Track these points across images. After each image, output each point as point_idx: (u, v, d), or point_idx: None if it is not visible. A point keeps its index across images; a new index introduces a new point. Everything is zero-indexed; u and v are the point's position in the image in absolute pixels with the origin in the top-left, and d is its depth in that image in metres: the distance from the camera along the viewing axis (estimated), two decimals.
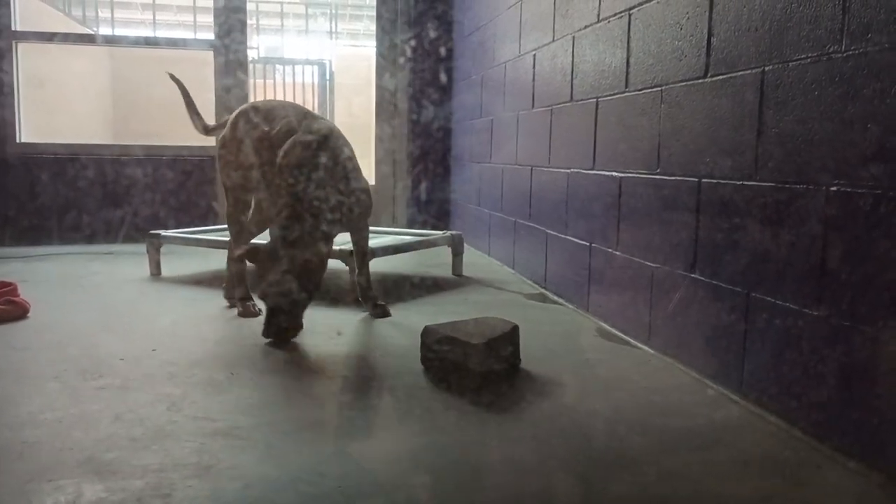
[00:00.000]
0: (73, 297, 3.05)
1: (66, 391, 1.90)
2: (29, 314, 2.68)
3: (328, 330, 2.60)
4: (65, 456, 1.50)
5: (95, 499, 1.32)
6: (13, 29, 4.77)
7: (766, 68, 1.76)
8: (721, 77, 1.95)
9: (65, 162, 4.80)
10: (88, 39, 6.85)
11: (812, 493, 1.43)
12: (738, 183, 1.87)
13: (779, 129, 1.73)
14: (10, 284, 2.80)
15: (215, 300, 2.90)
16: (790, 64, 1.69)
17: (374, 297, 2.83)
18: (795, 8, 1.67)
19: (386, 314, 2.78)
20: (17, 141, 4.79)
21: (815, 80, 1.61)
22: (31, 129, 4.95)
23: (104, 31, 7.76)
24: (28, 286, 2.93)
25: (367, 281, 2.82)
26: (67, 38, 6.04)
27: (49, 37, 5.31)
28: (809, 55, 1.63)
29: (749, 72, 1.83)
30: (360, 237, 2.80)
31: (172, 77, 3.11)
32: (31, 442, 1.56)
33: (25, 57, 4.95)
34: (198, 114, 3.08)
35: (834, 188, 1.56)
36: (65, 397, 1.85)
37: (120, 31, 8.33)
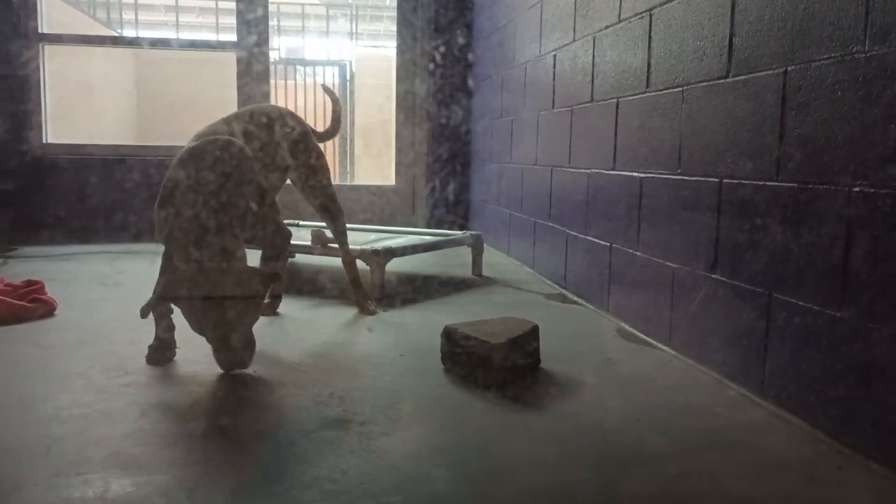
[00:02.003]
0: (98, 296, 3.09)
1: (92, 388, 1.93)
2: (56, 312, 2.72)
3: (344, 329, 2.62)
4: (91, 451, 1.52)
5: (122, 493, 1.35)
6: (40, 31, 4.84)
7: (788, 69, 1.76)
8: (743, 77, 1.95)
9: (90, 162, 4.86)
10: (113, 41, 6.93)
11: (833, 494, 1.42)
12: (760, 183, 1.87)
13: (800, 129, 1.72)
14: (37, 283, 2.85)
15: None
16: (812, 65, 1.68)
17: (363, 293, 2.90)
18: (818, 9, 1.67)
19: (370, 313, 2.82)
20: (44, 141, 4.86)
21: (837, 81, 1.60)
22: (57, 129, 5.02)
23: (128, 33, 7.85)
24: (54, 284, 2.98)
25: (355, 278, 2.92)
26: (93, 40, 6.12)
27: (75, 39, 5.39)
28: (831, 56, 1.62)
29: (771, 72, 1.83)
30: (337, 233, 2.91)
31: (325, 89, 3.16)
32: (58, 437, 1.59)
33: (52, 59, 5.02)
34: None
35: (856, 189, 1.55)
36: (91, 394, 1.88)
37: (143, 34, 8.42)
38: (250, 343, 2.02)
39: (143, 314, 1.98)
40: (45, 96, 4.89)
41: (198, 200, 2.06)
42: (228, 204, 2.09)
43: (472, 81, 5.27)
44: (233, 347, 1.98)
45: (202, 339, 2.21)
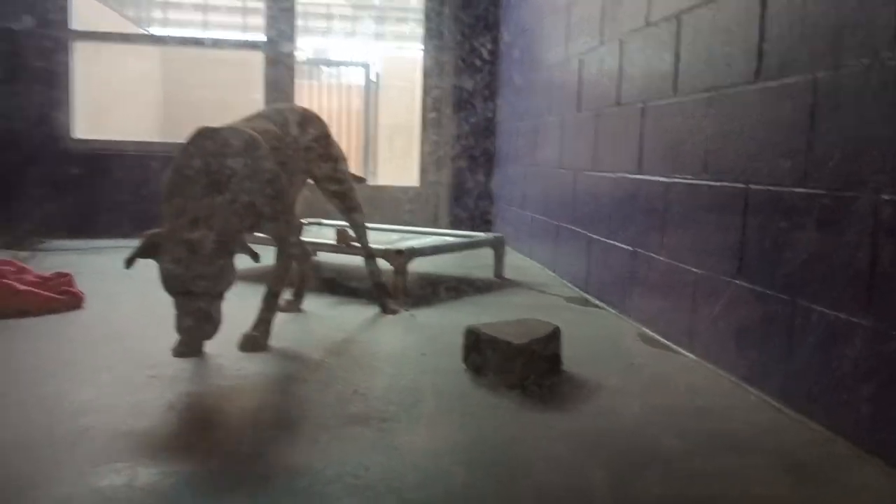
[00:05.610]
0: (125, 290, 3.13)
1: (120, 380, 1.96)
2: (84, 304, 2.76)
3: (366, 327, 2.64)
4: (120, 442, 1.55)
5: (150, 482, 1.37)
6: (70, 28, 4.91)
7: (818, 74, 1.75)
8: (772, 82, 1.94)
9: (117, 158, 4.93)
10: (142, 39, 7.02)
11: (852, 499, 1.42)
12: (787, 189, 1.86)
13: (829, 135, 1.71)
14: (66, 275, 2.89)
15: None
16: (842, 70, 1.67)
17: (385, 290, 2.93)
18: (848, 15, 1.66)
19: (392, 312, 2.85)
20: (73, 136, 4.93)
21: (868, 87, 1.59)
22: (85, 125, 5.09)
23: (156, 31, 7.94)
24: (82, 278, 3.02)
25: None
26: (122, 37, 6.19)
27: (104, 36, 5.46)
28: (862, 62, 1.61)
29: (801, 77, 1.82)
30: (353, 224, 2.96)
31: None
32: (87, 427, 1.62)
33: (81, 55, 5.09)
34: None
35: (886, 195, 1.54)
36: (118, 386, 1.91)
37: (171, 32, 8.50)
38: (213, 317, 2.01)
39: (126, 265, 1.99)
40: (73, 92, 4.95)
41: (201, 181, 2.05)
42: (234, 189, 2.09)
43: (497, 83, 5.28)
44: (196, 314, 1.98)
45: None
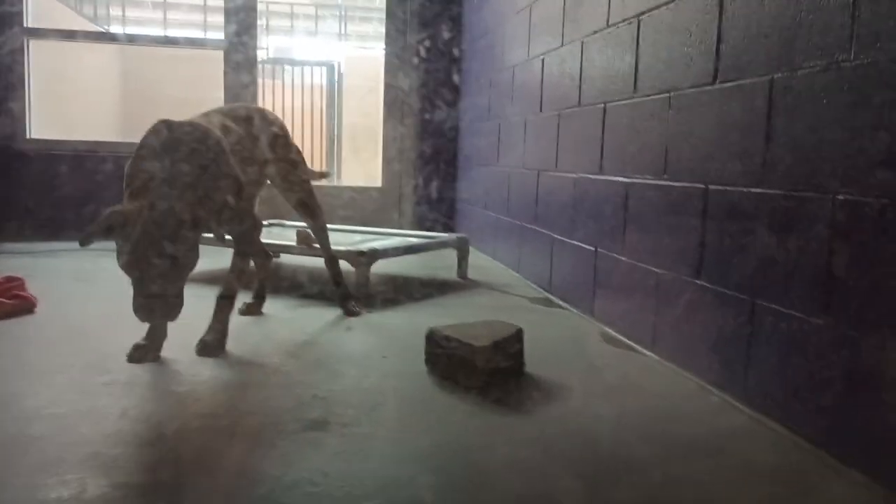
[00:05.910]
0: (80, 293, 3.06)
1: (73, 386, 1.91)
2: (36, 309, 2.69)
3: (327, 330, 2.61)
4: (70, 451, 1.50)
5: (100, 493, 1.33)
6: (25, 25, 4.80)
7: (776, 76, 1.77)
8: (730, 84, 1.95)
9: (74, 158, 4.82)
10: (100, 37, 6.89)
11: (814, 503, 1.43)
12: (746, 190, 1.87)
13: (787, 136, 1.73)
14: (17, 279, 2.81)
15: None
16: (799, 72, 1.69)
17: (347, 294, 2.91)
18: (805, 16, 1.67)
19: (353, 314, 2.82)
20: (28, 136, 4.82)
21: (824, 88, 1.61)
22: (42, 125, 4.97)
23: (115, 29, 7.80)
24: (35, 281, 2.94)
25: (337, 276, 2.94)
26: (79, 35, 6.07)
27: (61, 34, 5.34)
28: (818, 63, 1.63)
29: (758, 79, 1.83)
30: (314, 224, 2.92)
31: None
32: (36, 436, 1.57)
33: (37, 54, 4.97)
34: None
35: (841, 196, 1.56)
36: (71, 392, 1.86)
37: (131, 30, 8.36)
38: (177, 298, 1.97)
39: (83, 243, 1.98)
40: (29, 91, 4.84)
41: (158, 173, 2.02)
42: (190, 182, 2.06)
43: (461, 83, 5.27)
44: (158, 294, 1.93)
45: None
